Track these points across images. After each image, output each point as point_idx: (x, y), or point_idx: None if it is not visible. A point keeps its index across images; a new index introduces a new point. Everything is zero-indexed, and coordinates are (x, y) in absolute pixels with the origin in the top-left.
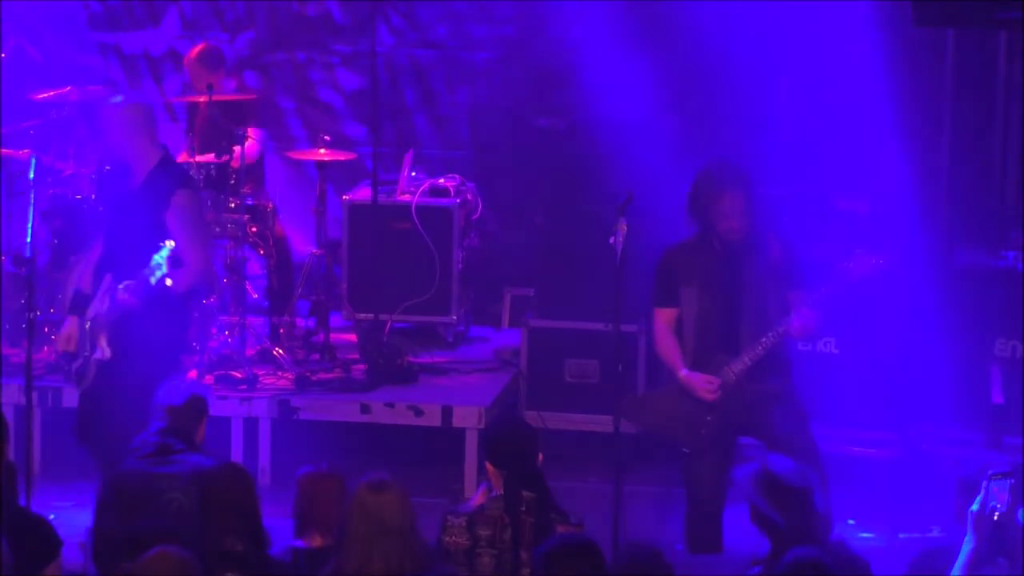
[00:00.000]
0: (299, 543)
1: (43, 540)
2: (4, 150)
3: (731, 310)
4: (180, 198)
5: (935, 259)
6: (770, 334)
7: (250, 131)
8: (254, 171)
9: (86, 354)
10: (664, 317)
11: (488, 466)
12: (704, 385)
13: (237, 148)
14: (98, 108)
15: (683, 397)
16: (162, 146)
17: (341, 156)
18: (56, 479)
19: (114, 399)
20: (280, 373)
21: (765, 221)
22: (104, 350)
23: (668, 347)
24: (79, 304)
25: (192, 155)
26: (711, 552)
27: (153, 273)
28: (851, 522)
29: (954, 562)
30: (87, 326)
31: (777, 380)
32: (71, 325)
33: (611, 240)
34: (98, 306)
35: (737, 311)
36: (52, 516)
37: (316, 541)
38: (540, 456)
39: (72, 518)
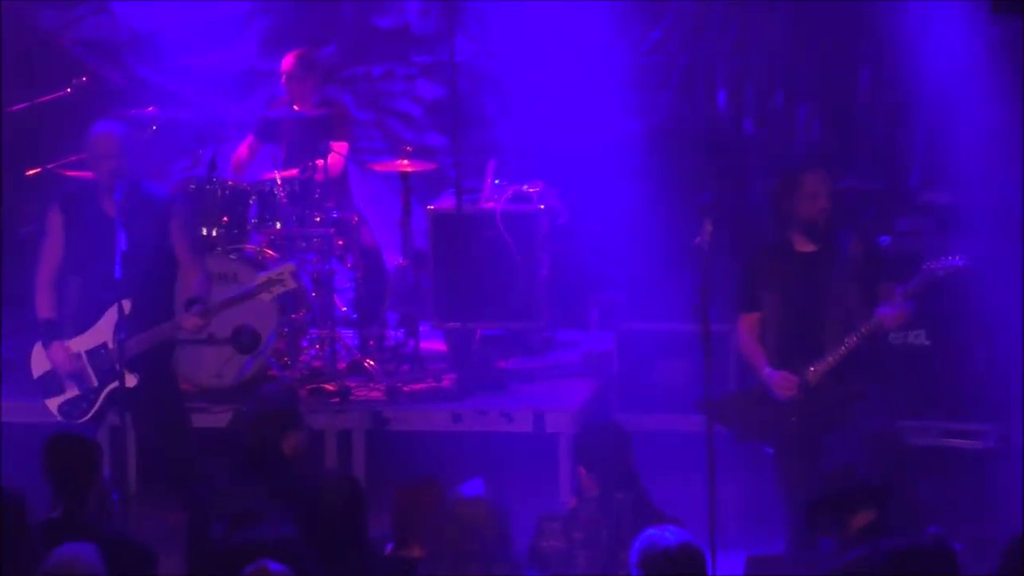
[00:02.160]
0: (399, 554)
1: (134, 561)
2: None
3: (813, 313)
4: (183, 207)
5: None
6: (853, 334)
7: (334, 145)
8: (339, 184)
9: (90, 385)
10: (747, 322)
11: (581, 470)
12: (783, 383)
13: (320, 162)
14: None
15: (767, 397)
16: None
17: (423, 166)
18: (151, 498)
19: (173, 425)
20: (371, 385)
21: (842, 221)
22: (131, 378)
23: (751, 349)
24: (52, 331)
25: (277, 170)
26: (810, 550)
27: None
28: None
29: None
30: (96, 354)
31: (862, 379)
32: (61, 352)
33: (696, 240)
34: (119, 334)
35: (819, 314)
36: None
37: (415, 552)
38: (633, 461)
39: (167, 536)
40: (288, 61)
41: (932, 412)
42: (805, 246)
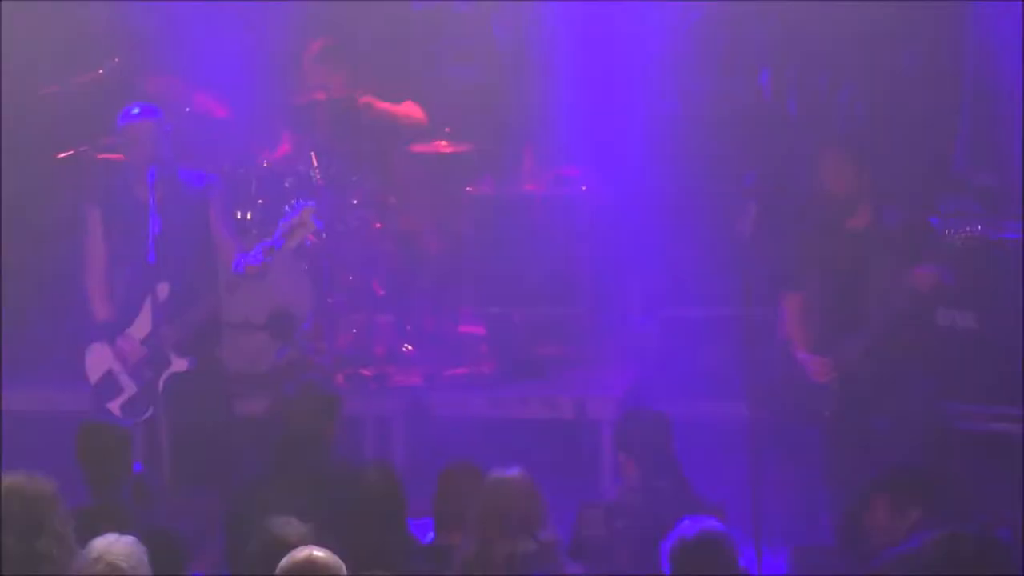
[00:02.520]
0: (440, 540)
1: (172, 551)
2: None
3: (852, 291)
4: (220, 192)
5: None
6: (887, 309)
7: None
8: (377, 167)
9: (147, 379)
10: (792, 301)
11: (622, 458)
12: (816, 368)
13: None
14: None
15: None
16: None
17: (461, 148)
18: (183, 484)
19: (218, 412)
20: (410, 370)
21: (883, 199)
22: (182, 363)
23: (793, 329)
24: (113, 332)
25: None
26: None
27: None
28: None
29: None
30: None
31: (903, 361)
32: (129, 343)
33: (738, 225)
34: (157, 321)
35: (859, 292)
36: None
37: (455, 539)
38: (674, 447)
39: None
40: (311, 49)
41: (980, 396)
42: (849, 223)
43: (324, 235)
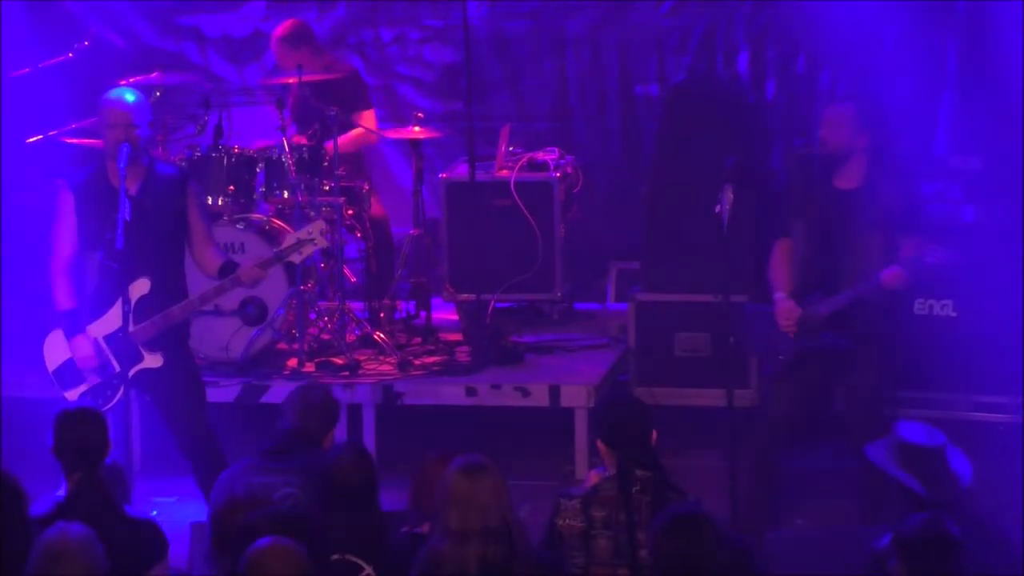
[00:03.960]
0: (417, 529)
1: (149, 541)
2: (88, 140)
3: (833, 250)
4: (197, 187)
5: None
6: (859, 286)
7: (360, 116)
8: (351, 153)
9: (113, 372)
10: (780, 247)
11: (600, 446)
12: (784, 312)
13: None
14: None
15: (772, 320)
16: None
17: (436, 133)
18: (157, 474)
19: (192, 401)
20: (382, 358)
21: (889, 166)
22: (155, 359)
23: (774, 271)
24: (74, 322)
25: (285, 137)
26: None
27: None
28: None
29: None
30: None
31: (865, 337)
32: (86, 347)
33: (717, 209)
34: (128, 318)
35: (839, 252)
36: (155, 512)
37: (427, 526)
38: (654, 434)
39: (176, 512)
40: (278, 30)
41: (958, 384)
42: (843, 182)
43: (322, 264)
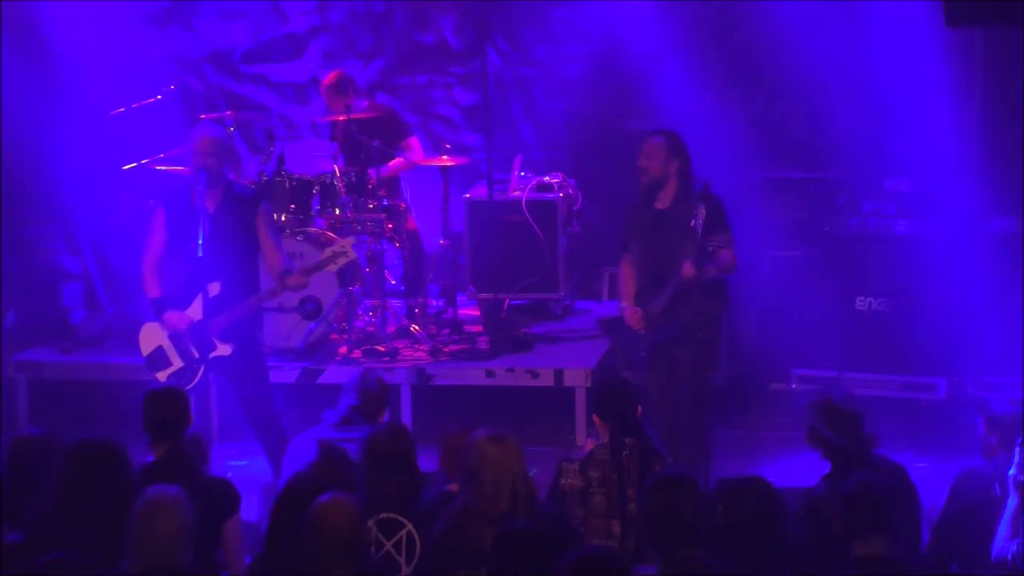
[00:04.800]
0: (445, 488)
1: (225, 498)
2: (175, 166)
3: (660, 261)
4: (267, 207)
5: (973, 227)
6: (671, 283)
7: (410, 142)
8: (391, 178)
9: (192, 357)
10: (624, 262)
11: (595, 419)
12: (630, 316)
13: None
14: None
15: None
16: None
17: (460, 161)
18: (232, 442)
19: (258, 383)
20: (417, 346)
21: (698, 190)
22: (225, 348)
23: (622, 284)
24: (162, 305)
25: (336, 165)
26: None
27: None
28: None
29: (990, 485)
30: (194, 330)
31: (681, 328)
32: (175, 317)
33: (692, 223)
34: (206, 313)
35: (663, 260)
36: (230, 474)
37: (455, 486)
38: (639, 409)
39: (247, 474)
40: (325, 80)
41: (891, 367)
42: (660, 203)
43: (367, 269)
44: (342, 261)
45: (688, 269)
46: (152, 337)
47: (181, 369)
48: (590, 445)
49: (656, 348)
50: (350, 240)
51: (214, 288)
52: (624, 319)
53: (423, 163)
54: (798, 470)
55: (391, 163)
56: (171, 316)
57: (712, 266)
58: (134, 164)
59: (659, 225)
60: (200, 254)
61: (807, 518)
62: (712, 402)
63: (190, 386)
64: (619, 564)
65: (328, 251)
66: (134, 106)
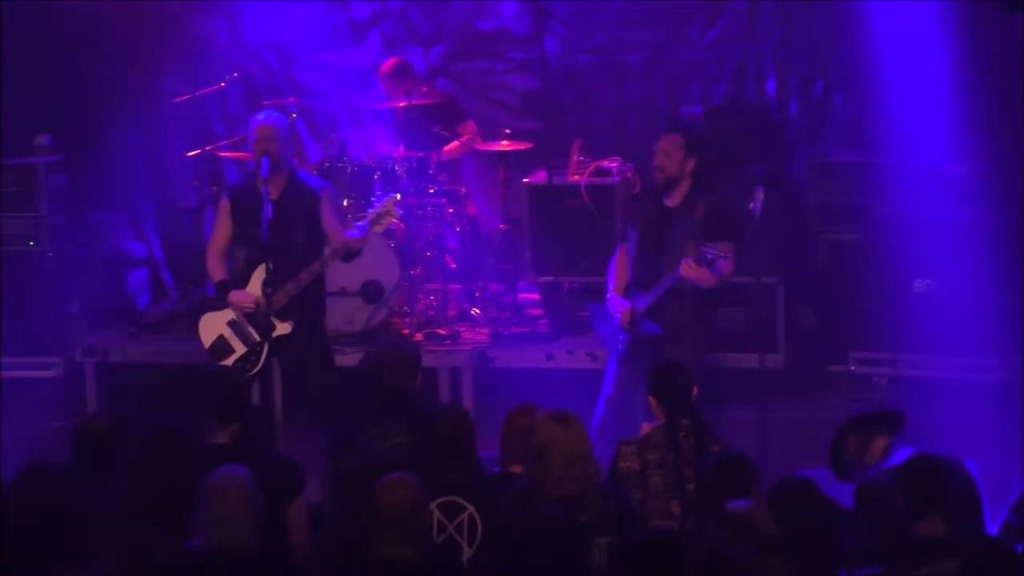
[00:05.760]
0: (505, 470)
1: (290, 480)
2: (238, 153)
3: (655, 257)
4: (330, 192)
5: None
6: (665, 280)
7: (461, 129)
8: (451, 163)
9: (254, 341)
10: (619, 250)
11: (652, 400)
12: (615, 307)
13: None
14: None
15: (611, 314)
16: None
17: (520, 146)
18: (295, 424)
19: (319, 364)
20: (477, 329)
21: (705, 189)
22: (285, 326)
23: (611, 274)
24: (226, 287)
25: (397, 150)
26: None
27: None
28: None
29: None
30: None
31: (670, 325)
32: (239, 295)
33: (750, 206)
34: (267, 288)
35: (660, 258)
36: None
37: (516, 469)
38: (695, 390)
39: (309, 455)
40: (383, 67)
41: (948, 350)
42: (669, 200)
43: (404, 221)
44: (387, 221)
45: (686, 267)
46: (212, 327)
47: (244, 354)
48: (646, 428)
49: (637, 343)
50: (393, 199)
51: (270, 266)
52: (610, 309)
53: (480, 147)
54: None
55: (448, 146)
56: (236, 295)
57: (713, 272)
58: (198, 151)
59: (665, 222)
60: (263, 239)
61: (860, 501)
62: (769, 384)
63: (255, 370)
64: (681, 544)
65: (372, 213)
66: (198, 94)
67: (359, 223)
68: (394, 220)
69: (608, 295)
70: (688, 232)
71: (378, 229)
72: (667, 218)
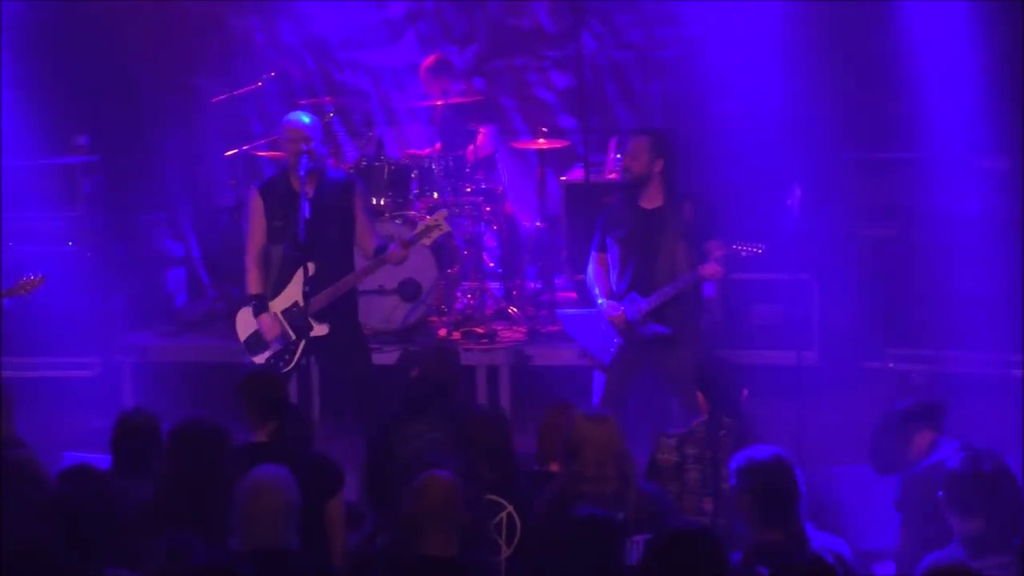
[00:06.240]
0: (542, 469)
1: (328, 477)
2: (276, 152)
3: (645, 262)
4: (363, 190)
5: None
6: (674, 284)
7: (482, 129)
8: (487, 160)
9: (290, 340)
10: (597, 259)
11: (699, 395)
12: (611, 311)
13: (471, 146)
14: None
15: (600, 320)
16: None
17: (556, 144)
18: (332, 421)
19: (356, 363)
20: (515, 327)
21: (683, 188)
22: (321, 328)
23: (595, 280)
24: (262, 304)
25: (434, 148)
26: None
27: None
28: None
29: None
30: (290, 312)
31: (679, 325)
32: (269, 321)
33: (788, 202)
34: (306, 289)
35: (653, 259)
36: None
37: (552, 467)
38: (744, 391)
39: (347, 452)
40: (424, 63)
41: (987, 345)
42: (647, 203)
43: (452, 235)
44: (435, 234)
45: (712, 271)
46: (249, 322)
47: (278, 352)
48: (693, 422)
49: (637, 346)
50: (443, 213)
51: (311, 269)
52: (602, 313)
53: (518, 146)
54: None
55: (477, 142)
56: (267, 319)
57: (725, 268)
58: (236, 151)
59: (648, 225)
60: (301, 239)
61: (907, 495)
62: (805, 381)
63: (287, 368)
64: (714, 541)
65: (421, 225)
66: (236, 93)
67: (402, 238)
68: (442, 233)
69: (599, 301)
70: (678, 232)
71: (425, 242)
72: (650, 220)
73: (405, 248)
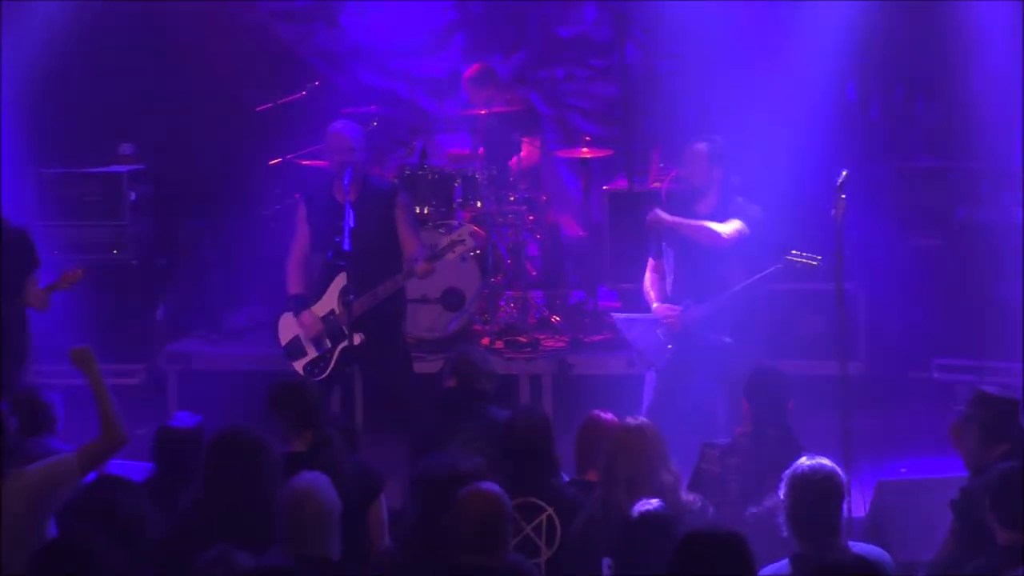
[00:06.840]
0: (581, 476)
1: (369, 482)
2: (319, 161)
3: (699, 271)
4: (405, 199)
5: None
6: (725, 294)
7: (527, 140)
8: (532, 171)
9: (326, 347)
10: (654, 266)
11: (744, 405)
12: (666, 312)
13: (515, 159)
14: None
15: (655, 326)
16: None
17: (600, 153)
18: (376, 429)
19: (395, 371)
20: (557, 336)
21: (740, 198)
22: (356, 337)
23: (650, 286)
24: (301, 303)
25: (475, 151)
26: None
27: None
28: None
29: None
30: (327, 320)
31: (730, 335)
32: (310, 318)
33: (832, 212)
34: (346, 296)
35: (706, 266)
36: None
37: (591, 477)
38: (790, 403)
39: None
40: (467, 72)
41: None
42: (702, 208)
43: (485, 229)
44: (460, 249)
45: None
46: (290, 327)
47: (315, 359)
48: (739, 431)
49: (689, 351)
50: (468, 227)
51: (347, 278)
52: (657, 319)
53: (562, 155)
54: (941, 460)
55: (522, 153)
56: (307, 316)
57: None
58: (280, 159)
59: None
60: (345, 247)
61: (961, 508)
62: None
63: (323, 375)
64: (741, 543)
65: (446, 239)
66: (280, 102)
67: (428, 252)
68: (468, 249)
69: (655, 305)
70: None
71: (450, 256)
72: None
73: (429, 263)
